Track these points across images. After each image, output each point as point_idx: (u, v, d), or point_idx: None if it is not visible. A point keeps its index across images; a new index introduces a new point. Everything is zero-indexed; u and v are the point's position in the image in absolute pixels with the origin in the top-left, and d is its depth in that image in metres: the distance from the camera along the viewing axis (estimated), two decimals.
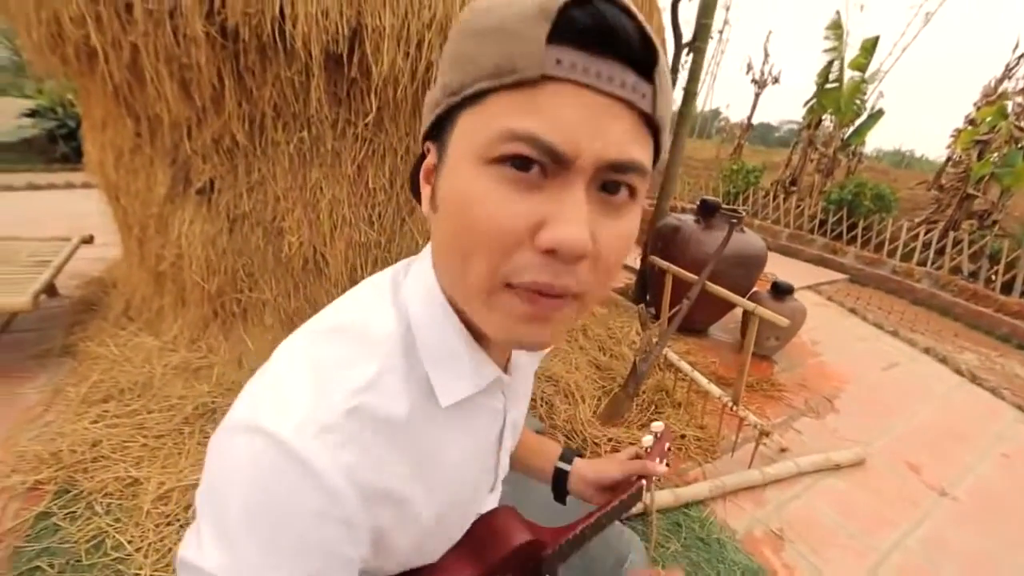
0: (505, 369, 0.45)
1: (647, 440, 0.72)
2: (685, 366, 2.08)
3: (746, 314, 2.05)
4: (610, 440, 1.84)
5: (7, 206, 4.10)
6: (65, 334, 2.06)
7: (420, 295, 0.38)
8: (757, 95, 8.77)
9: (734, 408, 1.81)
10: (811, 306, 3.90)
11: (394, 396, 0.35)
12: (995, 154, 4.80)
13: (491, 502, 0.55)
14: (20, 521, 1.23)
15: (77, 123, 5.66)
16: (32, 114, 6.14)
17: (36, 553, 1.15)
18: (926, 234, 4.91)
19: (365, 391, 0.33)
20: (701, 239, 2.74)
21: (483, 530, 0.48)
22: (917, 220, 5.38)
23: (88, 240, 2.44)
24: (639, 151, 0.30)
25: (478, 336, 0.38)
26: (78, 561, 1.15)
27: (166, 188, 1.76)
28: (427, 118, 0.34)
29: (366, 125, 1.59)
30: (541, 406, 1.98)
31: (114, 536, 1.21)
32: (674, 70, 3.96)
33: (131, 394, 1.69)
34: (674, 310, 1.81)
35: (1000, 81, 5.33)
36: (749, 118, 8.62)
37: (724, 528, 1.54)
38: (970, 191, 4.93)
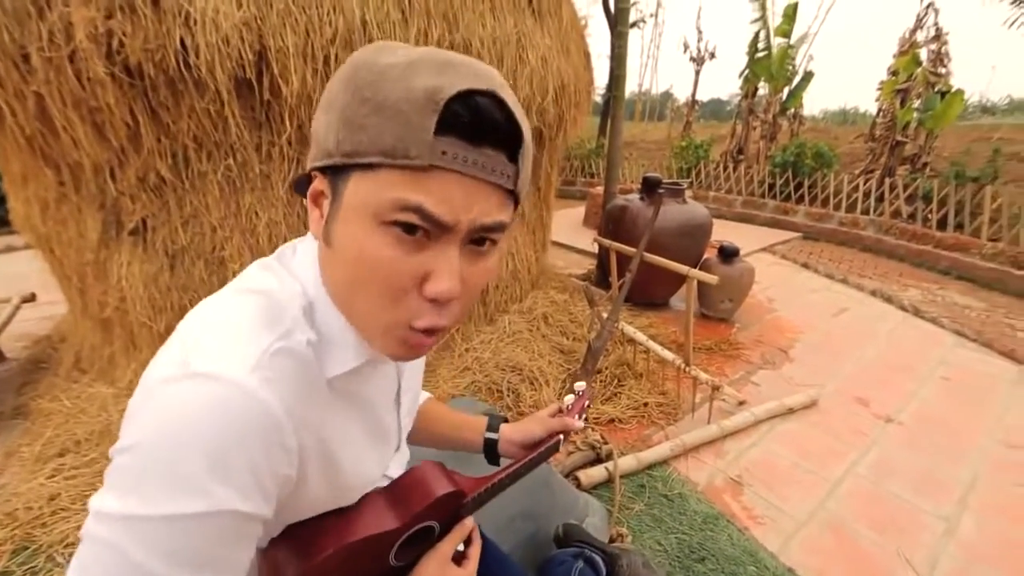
0: None
1: (569, 399, 0.78)
2: (641, 336, 2.16)
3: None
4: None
5: None
6: (15, 396, 2.01)
7: (312, 281, 0.43)
8: (697, 72, 9.06)
9: (686, 369, 1.89)
10: (766, 266, 4.07)
11: (304, 345, 0.40)
12: (916, 100, 5.08)
13: (398, 462, 0.60)
14: None
15: None
16: None
17: None
18: (865, 184, 5.16)
19: (284, 338, 0.38)
20: (646, 214, 2.83)
21: (408, 480, 0.52)
22: (857, 172, 5.64)
23: (30, 299, 2.39)
24: (503, 214, 0.39)
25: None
26: None
27: (98, 233, 1.74)
28: (318, 157, 0.39)
29: (288, 143, 1.61)
30: (508, 395, 2.03)
31: None
32: (612, 57, 4.04)
33: (88, 444, 1.66)
34: (619, 282, 1.88)
35: (913, 32, 5.65)
36: (693, 95, 8.90)
37: (686, 483, 1.62)
38: (899, 138, 5.21)
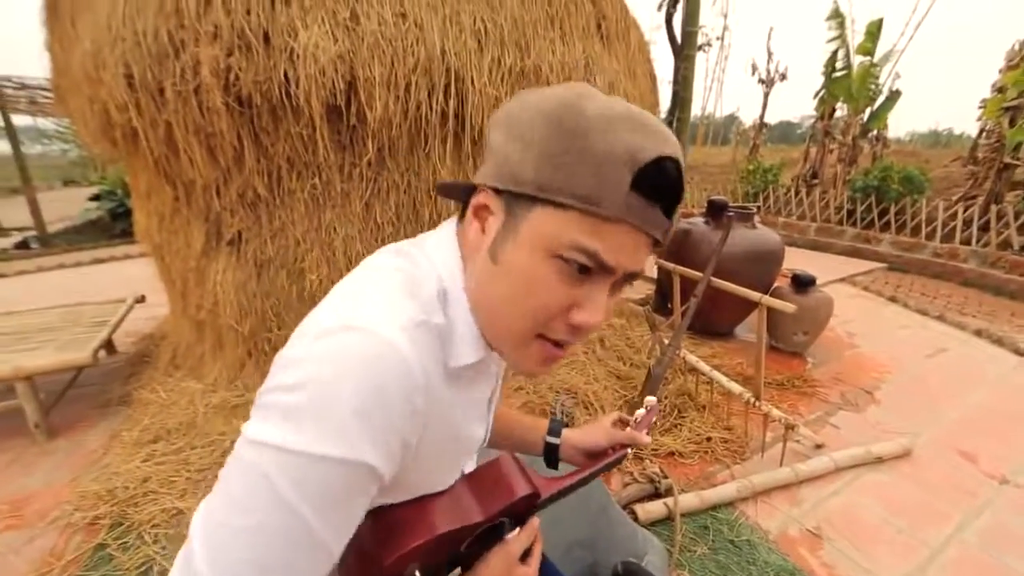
0: None
1: (640, 413, 0.76)
2: (704, 367, 2.04)
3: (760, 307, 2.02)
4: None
5: (78, 278, 4.58)
6: (122, 385, 2.27)
7: (448, 273, 0.46)
8: (766, 94, 8.72)
9: (756, 404, 1.76)
10: (846, 298, 3.74)
11: (438, 326, 0.43)
12: None
13: (473, 459, 0.61)
14: (80, 553, 1.35)
15: None
16: (96, 198, 6.88)
17: None
18: (966, 211, 4.63)
19: (426, 313, 0.42)
20: (711, 239, 2.72)
21: (492, 474, 0.54)
22: (954, 198, 5.09)
23: (141, 300, 2.70)
24: (646, 263, 0.44)
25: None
26: None
27: (202, 243, 1.96)
28: (504, 179, 0.41)
29: (368, 164, 1.73)
30: (562, 418, 1.99)
31: (160, 563, 1.31)
32: (675, 81, 4.01)
33: (177, 434, 1.84)
34: (683, 307, 1.81)
35: None
36: (761, 117, 8.54)
37: (755, 529, 1.48)
38: (1008, 160, 4.65)
